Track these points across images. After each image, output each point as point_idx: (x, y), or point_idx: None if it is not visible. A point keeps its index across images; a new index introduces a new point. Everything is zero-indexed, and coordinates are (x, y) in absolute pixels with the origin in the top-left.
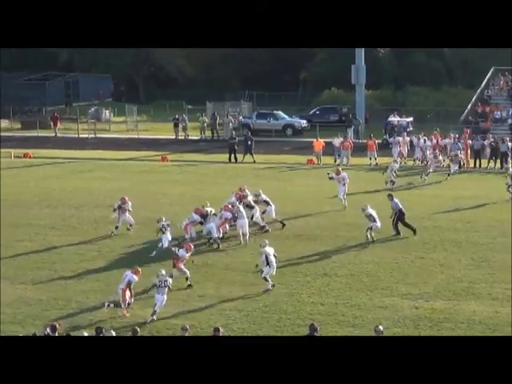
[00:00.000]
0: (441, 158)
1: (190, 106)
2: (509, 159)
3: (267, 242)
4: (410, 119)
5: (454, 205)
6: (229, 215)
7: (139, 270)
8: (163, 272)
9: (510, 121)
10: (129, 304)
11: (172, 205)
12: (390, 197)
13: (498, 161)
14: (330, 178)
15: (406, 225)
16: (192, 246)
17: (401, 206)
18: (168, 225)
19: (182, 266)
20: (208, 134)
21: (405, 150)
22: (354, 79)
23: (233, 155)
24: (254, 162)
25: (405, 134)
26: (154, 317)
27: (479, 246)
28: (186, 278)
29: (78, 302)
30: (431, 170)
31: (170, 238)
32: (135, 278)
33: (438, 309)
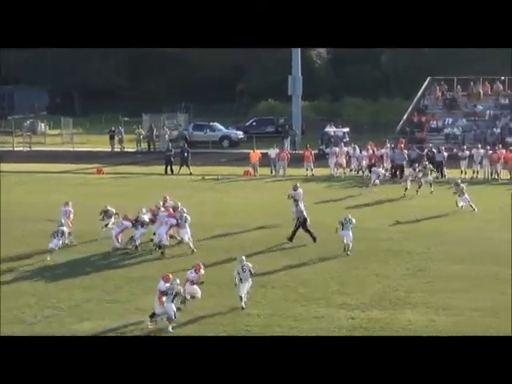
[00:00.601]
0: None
1: (126, 119)
2: (444, 168)
3: (244, 257)
4: (347, 130)
5: (390, 214)
6: (174, 221)
7: (169, 275)
8: (178, 281)
9: (446, 130)
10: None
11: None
12: (296, 202)
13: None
14: (289, 197)
15: (308, 231)
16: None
17: (305, 214)
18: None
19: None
20: (144, 146)
21: (342, 161)
22: (291, 90)
23: (169, 167)
24: (191, 173)
25: (342, 144)
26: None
27: (415, 255)
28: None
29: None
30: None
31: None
32: (165, 284)
33: (374, 318)
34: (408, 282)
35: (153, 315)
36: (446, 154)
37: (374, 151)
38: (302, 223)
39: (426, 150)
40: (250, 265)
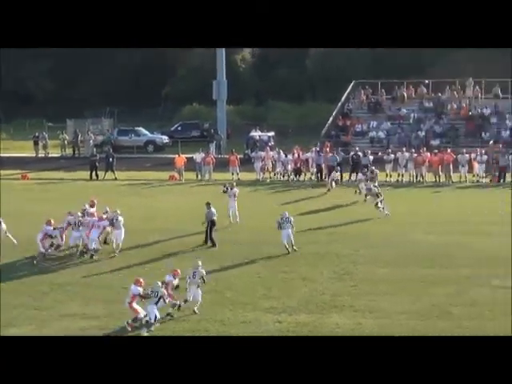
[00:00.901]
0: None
1: (50, 124)
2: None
3: (200, 262)
4: (272, 134)
5: (317, 217)
6: (106, 223)
7: (140, 279)
8: (159, 283)
9: (370, 134)
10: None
11: (32, 223)
12: (208, 205)
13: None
14: (225, 192)
15: (209, 235)
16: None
17: (215, 217)
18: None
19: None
20: (69, 151)
21: (269, 165)
22: (216, 94)
23: (94, 172)
24: (116, 178)
25: (267, 148)
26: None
27: (342, 258)
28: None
29: None
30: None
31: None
32: (139, 288)
33: (301, 322)
34: (335, 286)
35: (135, 319)
36: (371, 157)
37: (299, 155)
38: (210, 226)
39: (351, 154)
40: (204, 272)
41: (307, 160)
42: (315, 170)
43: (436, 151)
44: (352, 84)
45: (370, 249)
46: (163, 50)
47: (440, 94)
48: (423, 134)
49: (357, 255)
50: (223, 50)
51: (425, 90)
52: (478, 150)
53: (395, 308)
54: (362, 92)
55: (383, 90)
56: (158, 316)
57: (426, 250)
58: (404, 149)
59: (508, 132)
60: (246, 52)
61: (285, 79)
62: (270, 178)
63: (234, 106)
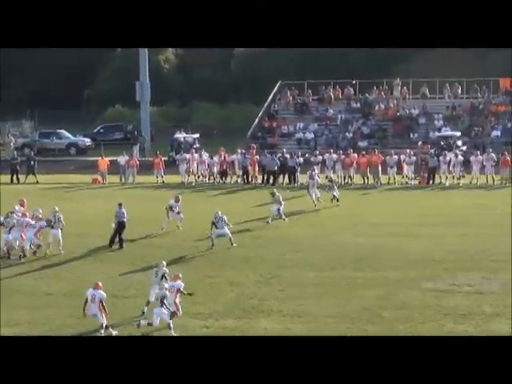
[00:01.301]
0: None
1: None
2: (297, 174)
3: (164, 262)
4: (197, 135)
5: (243, 220)
6: (43, 223)
7: (99, 283)
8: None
9: (297, 135)
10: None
11: None
12: (119, 206)
13: (287, 176)
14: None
15: (118, 237)
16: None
17: (125, 219)
18: None
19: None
20: None
21: (194, 167)
22: (139, 96)
23: (15, 176)
24: (37, 182)
25: (192, 150)
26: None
27: (269, 261)
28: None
29: None
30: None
31: None
32: (102, 292)
33: (229, 327)
34: (262, 290)
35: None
36: (301, 159)
37: (225, 157)
38: (119, 227)
39: (278, 156)
40: (167, 271)
41: (233, 162)
42: (241, 172)
43: (364, 152)
44: (278, 85)
45: (296, 252)
46: (86, 50)
47: (367, 95)
48: (351, 135)
49: (283, 259)
50: (146, 50)
51: (352, 91)
52: (407, 151)
53: (324, 312)
54: (288, 93)
55: (310, 91)
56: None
57: (355, 252)
58: (331, 150)
59: (436, 133)
60: (170, 52)
61: (209, 80)
62: (196, 180)
63: (158, 107)
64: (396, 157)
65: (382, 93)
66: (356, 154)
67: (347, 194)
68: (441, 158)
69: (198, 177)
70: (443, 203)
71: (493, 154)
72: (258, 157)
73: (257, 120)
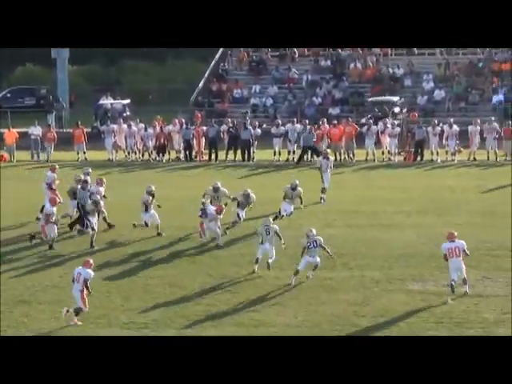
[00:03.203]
0: None
1: None
2: (252, 149)
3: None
4: (127, 101)
5: (190, 209)
6: None
7: (90, 261)
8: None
9: (253, 100)
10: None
11: None
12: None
13: (239, 151)
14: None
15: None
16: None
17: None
18: None
19: None
20: None
21: (122, 140)
22: (54, 52)
23: None
24: None
25: (121, 120)
26: None
27: (221, 259)
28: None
29: None
30: None
31: None
32: (89, 271)
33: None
34: (211, 294)
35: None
36: (258, 130)
37: (162, 128)
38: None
39: (228, 126)
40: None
41: (170, 134)
42: (183, 147)
43: (335, 122)
44: None
45: (254, 248)
46: None
47: (340, 50)
48: (319, 100)
49: (239, 255)
50: None
51: None
52: (389, 120)
53: (286, 320)
54: (241, 49)
55: None
56: None
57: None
58: (295, 120)
59: (425, 97)
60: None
61: None
62: (126, 157)
63: (79, 66)
64: (375, 127)
65: (359, 48)
66: (326, 125)
67: (314, 175)
68: (430, 129)
69: (129, 153)
70: (434, 185)
71: (496, 124)
72: (204, 128)
73: (202, 82)
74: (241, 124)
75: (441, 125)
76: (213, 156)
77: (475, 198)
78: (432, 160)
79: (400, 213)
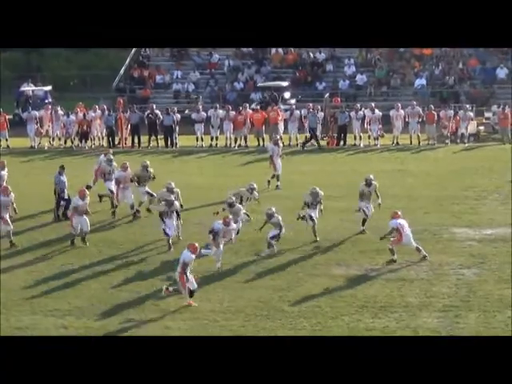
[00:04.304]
0: None
1: None
2: (175, 134)
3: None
4: (49, 88)
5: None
6: None
7: (196, 245)
8: None
9: (175, 86)
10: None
11: None
12: (61, 169)
13: (161, 138)
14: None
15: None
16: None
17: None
18: None
19: None
20: None
21: (45, 127)
22: None
23: None
24: None
25: (49, 106)
26: None
27: (144, 246)
28: None
29: None
30: None
31: None
32: (191, 255)
33: (92, 327)
34: (135, 282)
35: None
36: (178, 115)
37: (84, 115)
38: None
39: (146, 112)
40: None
41: (91, 121)
42: (105, 133)
43: (258, 108)
44: None
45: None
46: None
47: None
48: (241, 86)
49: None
50: None
51: None
52: (311, 105)
53: (211, 306)
54: None
55: None
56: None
57: (246, 233)
58: (217, 105)
59: (347, 82)
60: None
61: None
62: (49, 144)
63: None
64: (298, 112)
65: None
66: (249, 110)
67: (238, 159)
68: (352, 114)
69: (53, 139)
70: (357, 170)
71: (418, 108)
72: (127, 114)
73: (123, 68)
74: (163, 110)
75: (363, 109)
76: (136, 142)
77: (398, 182)
78: (355, 145)
79: (324, 198)
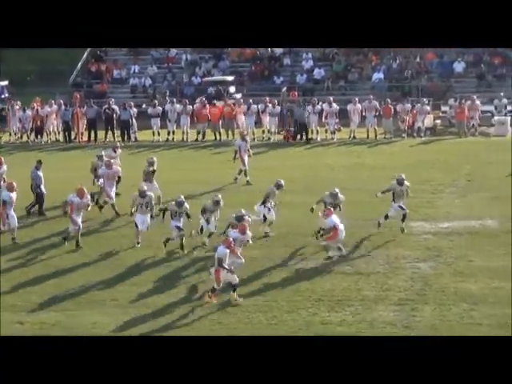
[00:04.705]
0: None
1: None
2: (132, 129)
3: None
4: (5, 83)
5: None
6: None
7: (230, 239)
8: None
9: (132, 81)
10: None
11: None
12: (38, 163)
13: (118, 132)
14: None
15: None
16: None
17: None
18: None
19: None
20: None
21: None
22: None
23: None
24: None
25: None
26: None
27: (102, 239)
28: None
29: None
30: None
31: None
32: (226, 250)
33: (48, 322)
34: (90, 274)
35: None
36: (135, 110)
37: (37, 110)
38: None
39: (104, 107)
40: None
41: (47, 116)
42: (61, 128)
43: (215, 102)
44: None
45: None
46: None
47: None
48: (198, 80)
49: (121, 236)
50: None
51: None
52: (268, 99)
53: (168, 300)
54: None
55: None
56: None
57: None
58: (174, 99)
59: (305, 76)
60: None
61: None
62: (9, 139)
63: None
64: (255, 106)
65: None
66: (208, 104)
67: (193, 154)
68: (310, 108)
69: (10, 134)
70: (314, 164)
71: (375, 102)
72: (83, 109)
73: (80, 63)
74: (120, 105)
75: (320, 103)
76: (92, 136)
77: (355, 176)
78: (312, 139)
79: (283, 192)
